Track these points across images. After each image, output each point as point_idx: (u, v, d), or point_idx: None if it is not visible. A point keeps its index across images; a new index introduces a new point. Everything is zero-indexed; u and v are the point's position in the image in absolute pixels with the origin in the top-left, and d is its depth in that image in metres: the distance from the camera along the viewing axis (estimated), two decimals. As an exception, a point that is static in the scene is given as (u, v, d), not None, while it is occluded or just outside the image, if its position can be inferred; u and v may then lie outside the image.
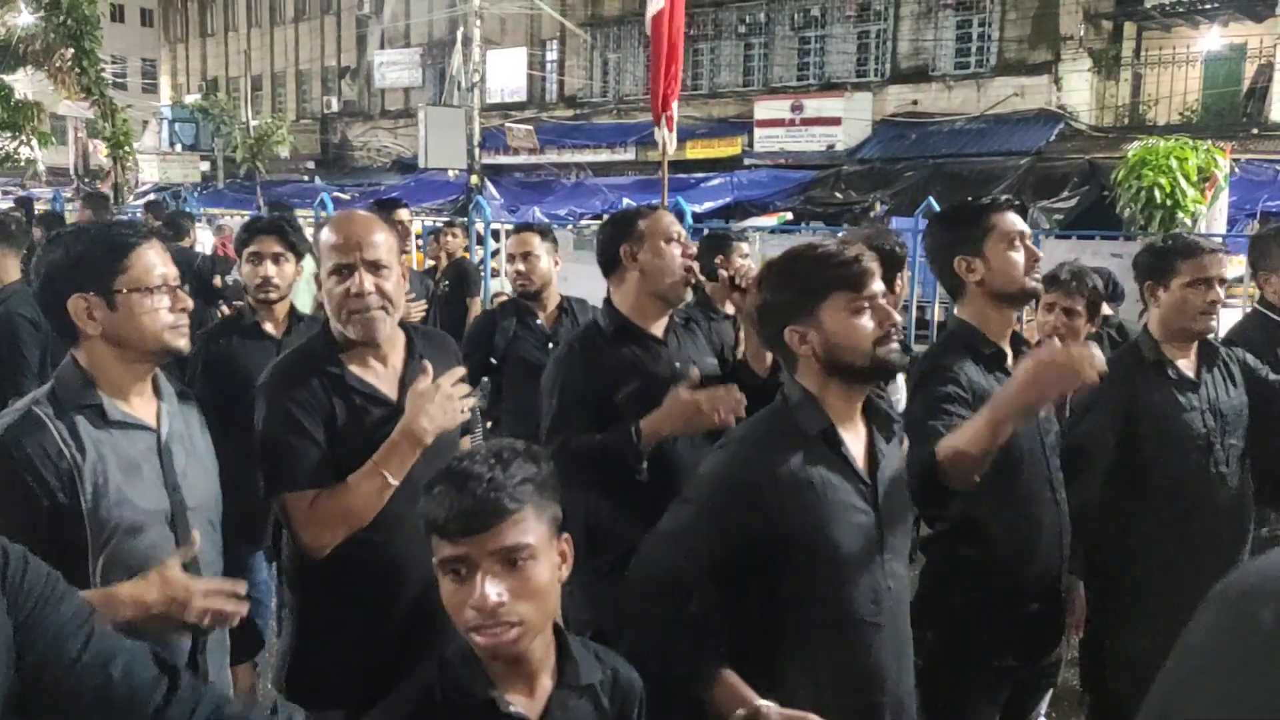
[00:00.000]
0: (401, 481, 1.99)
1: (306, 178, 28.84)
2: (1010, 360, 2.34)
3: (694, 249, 2.62)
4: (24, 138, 15.44)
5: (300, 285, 3.50)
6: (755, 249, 6.18)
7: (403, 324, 2.18)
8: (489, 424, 4.17)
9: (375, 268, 2.04)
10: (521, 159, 24.87)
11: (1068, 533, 2.38)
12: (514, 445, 1.45)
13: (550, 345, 3.76)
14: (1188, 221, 10.14)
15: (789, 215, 17.68)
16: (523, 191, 22.66)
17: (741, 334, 2.83)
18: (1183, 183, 10.40)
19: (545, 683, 1.47)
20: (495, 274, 7.51)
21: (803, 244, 1.88)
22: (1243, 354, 2.86)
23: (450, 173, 23.47)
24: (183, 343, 1.90)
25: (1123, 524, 2.67)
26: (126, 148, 14.54)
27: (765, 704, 1.62)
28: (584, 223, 13.48)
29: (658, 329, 2.59)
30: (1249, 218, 13.15)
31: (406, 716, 1.45)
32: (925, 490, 1.95)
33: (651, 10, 6.35)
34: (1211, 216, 10.41)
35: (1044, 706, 2.84)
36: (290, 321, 3.30)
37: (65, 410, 1.78)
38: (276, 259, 3.23)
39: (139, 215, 10.87)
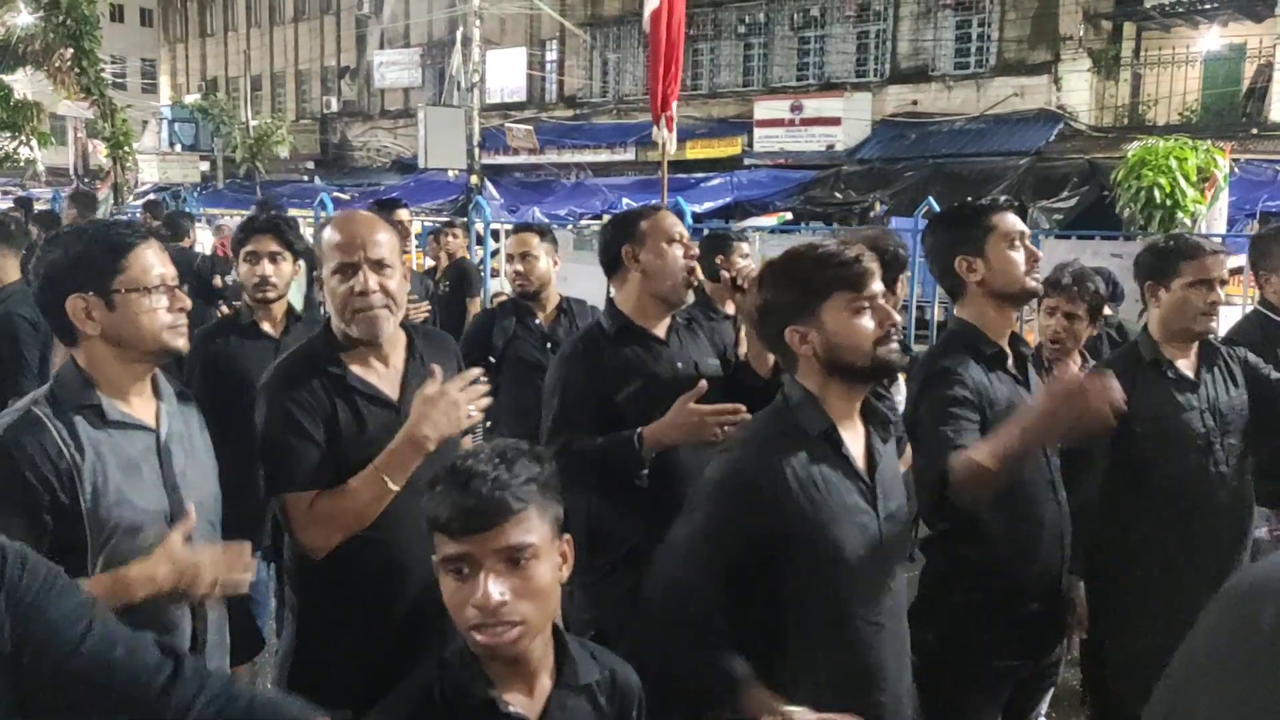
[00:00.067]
0: (402, 481, 1.99)
1: (306, 178, 28.83)
2: (1010, 361, 2.35)
3: (696, 250, 2.62)
4: (24, 138, 15.41)
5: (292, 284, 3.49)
6: (755, 249, 6.17)
7: (403, 324, 2.18)
8: (487, 423, 4.16)
9: (379, 267, 2.04)
10: (521, 159, 24.84)
11: (1069, 533, 2.38)
12: (518, 445, 1.46)
13: (549, 345, 3.77)
14: (1187, 222, 10.12)
15: (789, 215, 17.67)
16: (522, 192, 22.63)
17: (742, 334, 2.83)
18: (1182, 183, 10.38)
19: (544, 683, 1.48)
20: (495, 274, 7.51)
21: (803, 244, 1.88)
22: (1244, 353, 2.86)
23: (450, 173, 23.43)
24: (181, 343, 1.90)
25: (1123, 524, 2.67)
26: (126, 148, 14.51)
27: (799, 710, 1.61)
28: (584, 223, 13.48)
29: (660, 330, 2.59)
30: (1249, 218, 13.13)
31: (406, 716, 1.45)
32: (935, 503, 1.96)
33: (649, 8, 6.33)
34: (1211, 216, 10.39)
35: (1044, 706, 2.84)
36: (288, 321, 3.28)
37: (64, 410, 1.77)
38: (273, 258, 3.22)
39: (138, 215, 10.85)
